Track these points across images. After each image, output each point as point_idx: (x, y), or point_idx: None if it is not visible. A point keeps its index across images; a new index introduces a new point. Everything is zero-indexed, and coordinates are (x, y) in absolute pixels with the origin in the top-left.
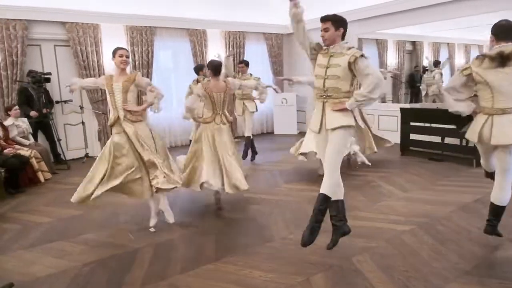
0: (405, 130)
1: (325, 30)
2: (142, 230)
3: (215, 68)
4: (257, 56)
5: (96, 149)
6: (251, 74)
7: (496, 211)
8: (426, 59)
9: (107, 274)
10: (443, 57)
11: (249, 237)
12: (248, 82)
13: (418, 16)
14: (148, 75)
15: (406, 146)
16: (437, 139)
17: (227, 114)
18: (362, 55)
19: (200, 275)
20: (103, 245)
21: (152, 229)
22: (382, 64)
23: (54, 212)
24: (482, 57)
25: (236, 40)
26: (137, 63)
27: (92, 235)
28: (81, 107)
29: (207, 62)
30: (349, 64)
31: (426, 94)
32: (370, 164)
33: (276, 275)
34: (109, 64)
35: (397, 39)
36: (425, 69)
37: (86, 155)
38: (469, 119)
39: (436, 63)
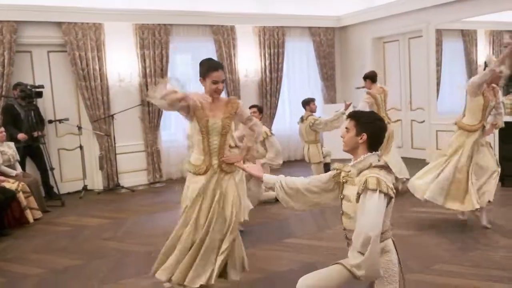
0: (506, 152)
1: (346, 130)
2: (155, 285)
3: None
4: (301, 57)
5: (97, 181)
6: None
7: None
8: None
9: None
10: None
11: None
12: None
13: None
14: None
15: (507, 174)
16: None
17: None
18: (366, 188)
19: None
20: None
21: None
22: (471, 63)
23: (46, 261)
24: None
25: (273, 38)
26: (147, 70)
27: None
28: (79, 128)
29: None
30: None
31: None
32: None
33: None
34: (114, 72)
35: (490, 29)
36: None
37: (85, 188)
38: None
39: None
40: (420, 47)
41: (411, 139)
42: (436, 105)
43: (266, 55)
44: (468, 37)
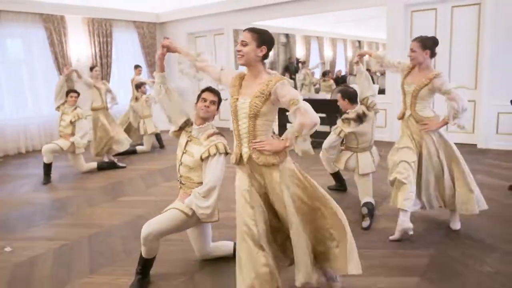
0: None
1: (212, 102)
2: None
3: None
4: (128, 46)
5: None
6: (76, 108)
7: None
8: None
9: None
10: (314, 49)
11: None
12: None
13: (288, 9)
14: None
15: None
16: None
17: None
18: (218, 153)
19: None
20: None
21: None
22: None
23: None
24: (347, 120)
25: (101, 28)
26: None
27: None
28: None
29: None
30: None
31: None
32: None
33: None
34: None
35: (272, 31)
36: (298, 61)
37: None
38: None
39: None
40: (223, 42)
41: None
42: None
43: (96, 43)
44: None
